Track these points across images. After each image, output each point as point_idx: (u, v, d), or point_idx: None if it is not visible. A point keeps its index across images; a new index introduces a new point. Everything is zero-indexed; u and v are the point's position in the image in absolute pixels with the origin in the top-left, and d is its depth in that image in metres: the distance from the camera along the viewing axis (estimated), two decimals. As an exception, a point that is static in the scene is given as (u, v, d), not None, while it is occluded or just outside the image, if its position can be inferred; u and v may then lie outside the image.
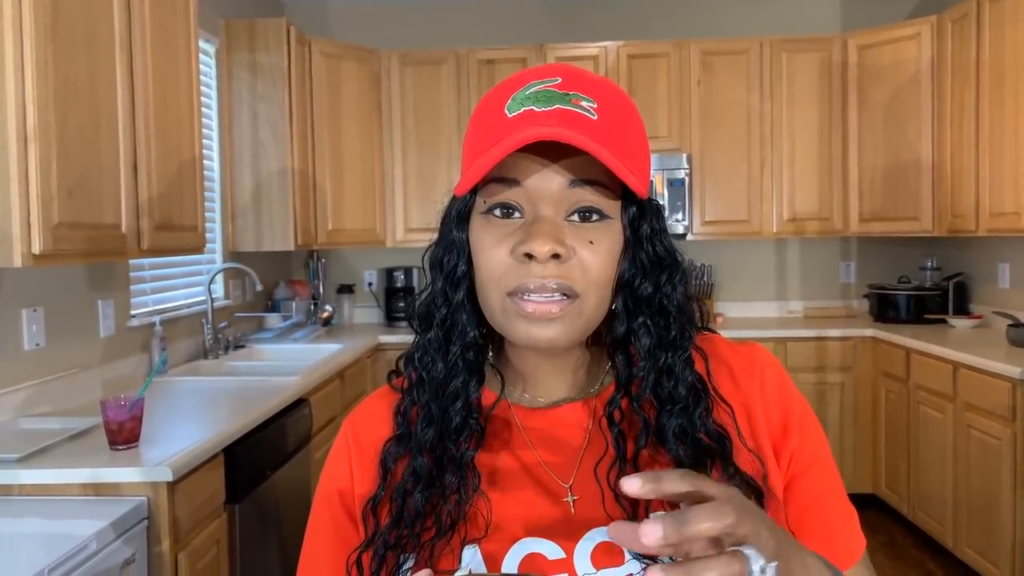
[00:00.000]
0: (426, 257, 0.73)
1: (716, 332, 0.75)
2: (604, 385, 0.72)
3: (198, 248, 2.54)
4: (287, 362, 3.01)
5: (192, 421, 2.15)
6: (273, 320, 3.74)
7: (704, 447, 0.66)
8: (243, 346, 3.29)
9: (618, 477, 0.65)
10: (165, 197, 2.25)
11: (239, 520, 2.00)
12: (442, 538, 0.66)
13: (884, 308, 3.87)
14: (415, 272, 4.19)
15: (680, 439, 0.66)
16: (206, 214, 2.61)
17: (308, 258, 4.22)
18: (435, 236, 0.72)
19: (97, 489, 1.67)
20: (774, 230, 4.00)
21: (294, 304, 3.85)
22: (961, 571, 2.99)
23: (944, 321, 3.66)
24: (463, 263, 0.69)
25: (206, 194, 2.66)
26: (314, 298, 4.06)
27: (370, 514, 0.69)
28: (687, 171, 3.89)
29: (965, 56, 3.31)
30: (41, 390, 2.14)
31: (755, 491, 0.66)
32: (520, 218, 0.65)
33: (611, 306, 0.68)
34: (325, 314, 4.03)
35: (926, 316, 3.73)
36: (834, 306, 4.23)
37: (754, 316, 4.17)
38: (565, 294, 0.64)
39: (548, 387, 0.72)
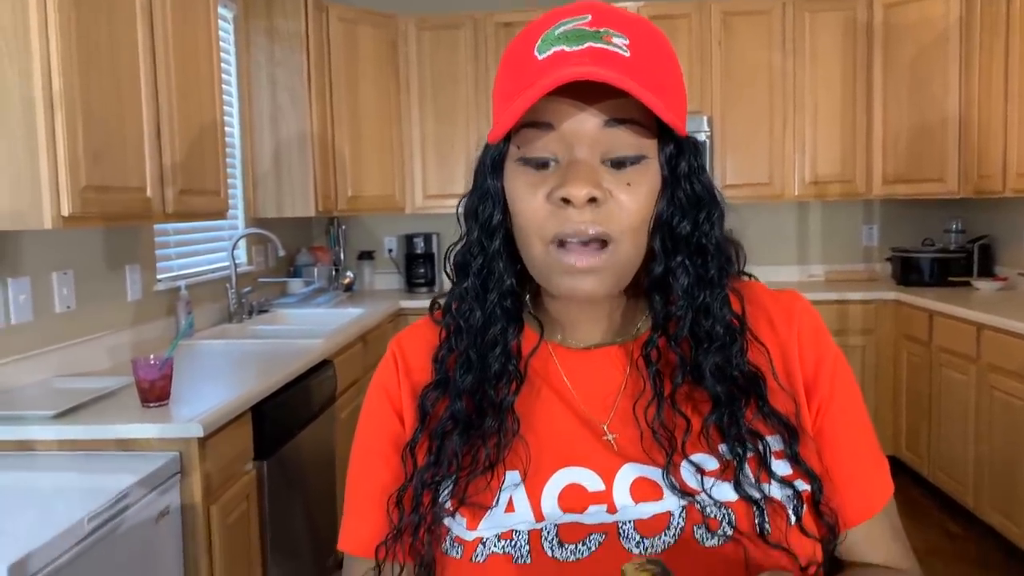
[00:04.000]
0: (460, 206, 0.72)
1: (756, 279, 0.75)
2: (640, 330, 0.72)
3: (221, 212, 2.57)
4: (311, 326, 3.05)
5: (220, 381, 2.19)
6: (295, 285, 3.79)
7: (739, 385, 0.66)
8: (267, 311, 3.33)
9: (656, 416, 0.66)
10: (188, 162, 2.27)
11: (267, 476, 2.05)
12: (480, 476, 0.67)
13: (907, 271, 3.83)
14: (435, 238, 4.21)
15: (717, 377, 0.66)
16: (228, 180, 2.63)
17: (328, 224, 4.25)
18: (469, 185, 0.72)
19: (130, 445, 1.72)
20: (796, 193, 3.96)
21: (316, 270, 3.89)
22: (982, 531, 3.00)
23: (968, 284, 3.63)
24: (498, 212, 0.69)
25: (227, 160, 2.68)
26: (335, 264, 4.10)
27: (408, 455, 0.70)
28: (707, 134, 3.85)
29: (994, 12, 3.23)
30: (73, 352, 2.19)
31: (788, 430, 0.66)
32: (556, 166, 0.64)
33: (649, 247, 0.67)
34: (346, 280, 4.06)
35: (950, 279, 3.69)
36: (856, 270, 4.20)
37: (775, 280, 4.14)
38: (603, 241, 0.63)
39: (585, 333, 0.73)
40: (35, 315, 2.06)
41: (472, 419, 0.68)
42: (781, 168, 3.93)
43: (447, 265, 0.74)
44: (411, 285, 4.20)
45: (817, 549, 0.66)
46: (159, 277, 2.70)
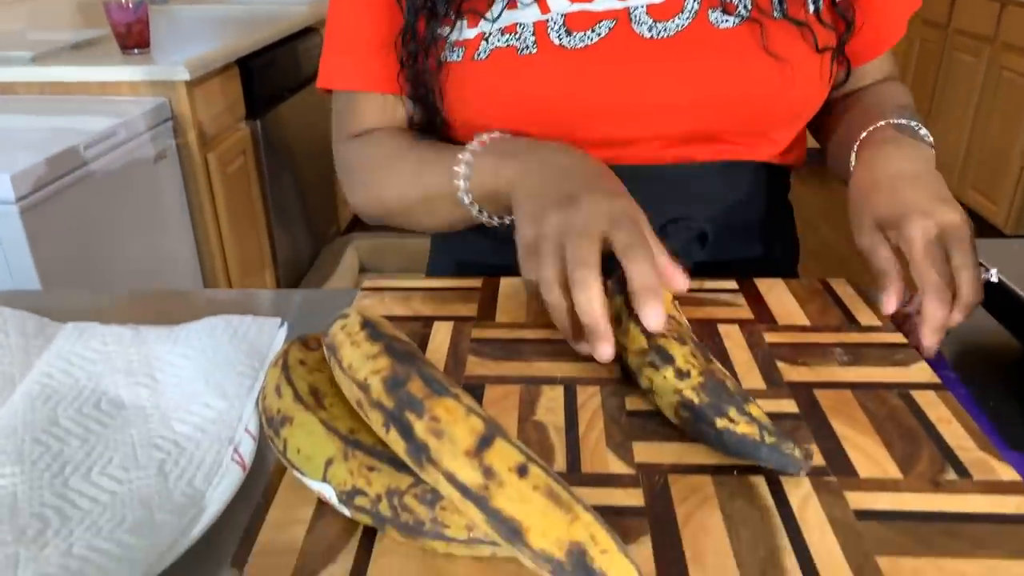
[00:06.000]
0: None
1: None
2: None
3: None
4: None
5: (203, 36, 2.08)
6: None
7: None
8: (244, -16, 3.10)
9: None
10: None
11: (262, 135, 2.04)
12: None
13: (937, -49, 3.53)
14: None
15: None
16: None
17: None
18: None
19: (115, 89, 1.68)
20: None
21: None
22: (959, 214, 3.11)
23: (1001, -36, 3.36)
24: None
25: None
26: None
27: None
28: None
29: None
30: (40, 6, 2.06)
31: None
32: None
33: None
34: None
35: (982, -42, 3.41)
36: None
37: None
38: None
39: None
40: (-9, -43, 1.90)
41: None
42: None
43: None
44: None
45: (832, 38, 0.63)
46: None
